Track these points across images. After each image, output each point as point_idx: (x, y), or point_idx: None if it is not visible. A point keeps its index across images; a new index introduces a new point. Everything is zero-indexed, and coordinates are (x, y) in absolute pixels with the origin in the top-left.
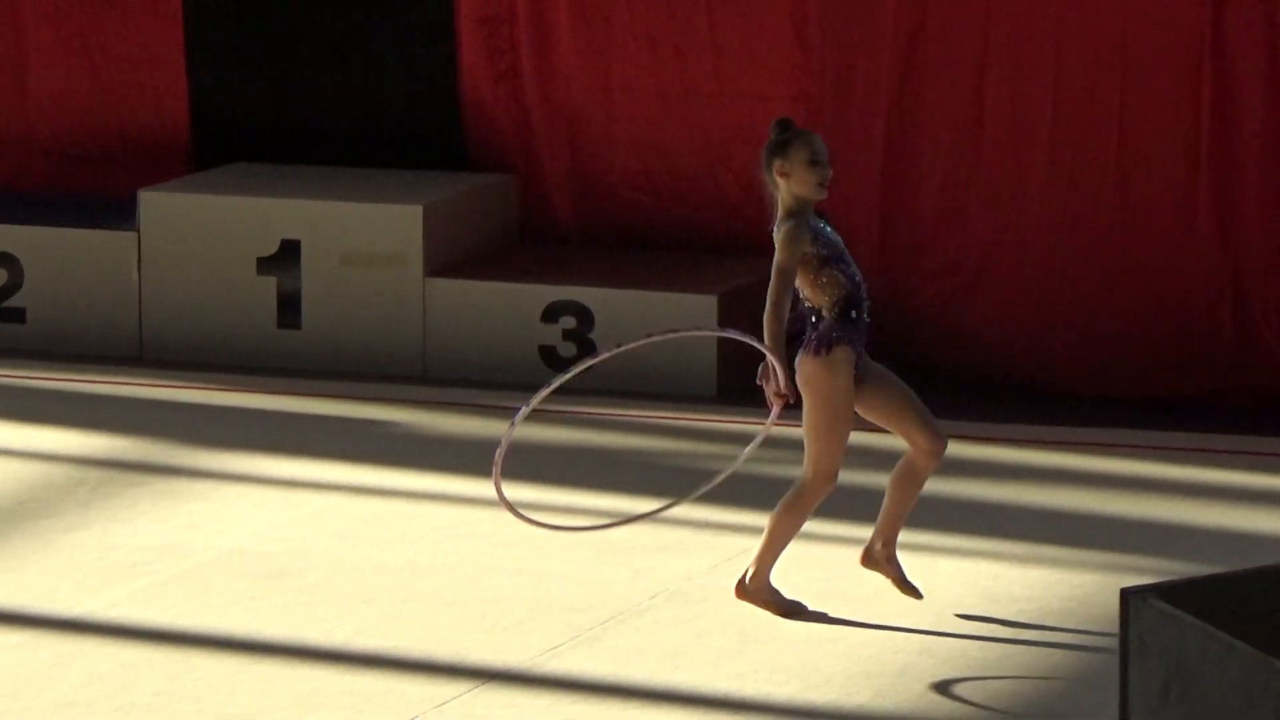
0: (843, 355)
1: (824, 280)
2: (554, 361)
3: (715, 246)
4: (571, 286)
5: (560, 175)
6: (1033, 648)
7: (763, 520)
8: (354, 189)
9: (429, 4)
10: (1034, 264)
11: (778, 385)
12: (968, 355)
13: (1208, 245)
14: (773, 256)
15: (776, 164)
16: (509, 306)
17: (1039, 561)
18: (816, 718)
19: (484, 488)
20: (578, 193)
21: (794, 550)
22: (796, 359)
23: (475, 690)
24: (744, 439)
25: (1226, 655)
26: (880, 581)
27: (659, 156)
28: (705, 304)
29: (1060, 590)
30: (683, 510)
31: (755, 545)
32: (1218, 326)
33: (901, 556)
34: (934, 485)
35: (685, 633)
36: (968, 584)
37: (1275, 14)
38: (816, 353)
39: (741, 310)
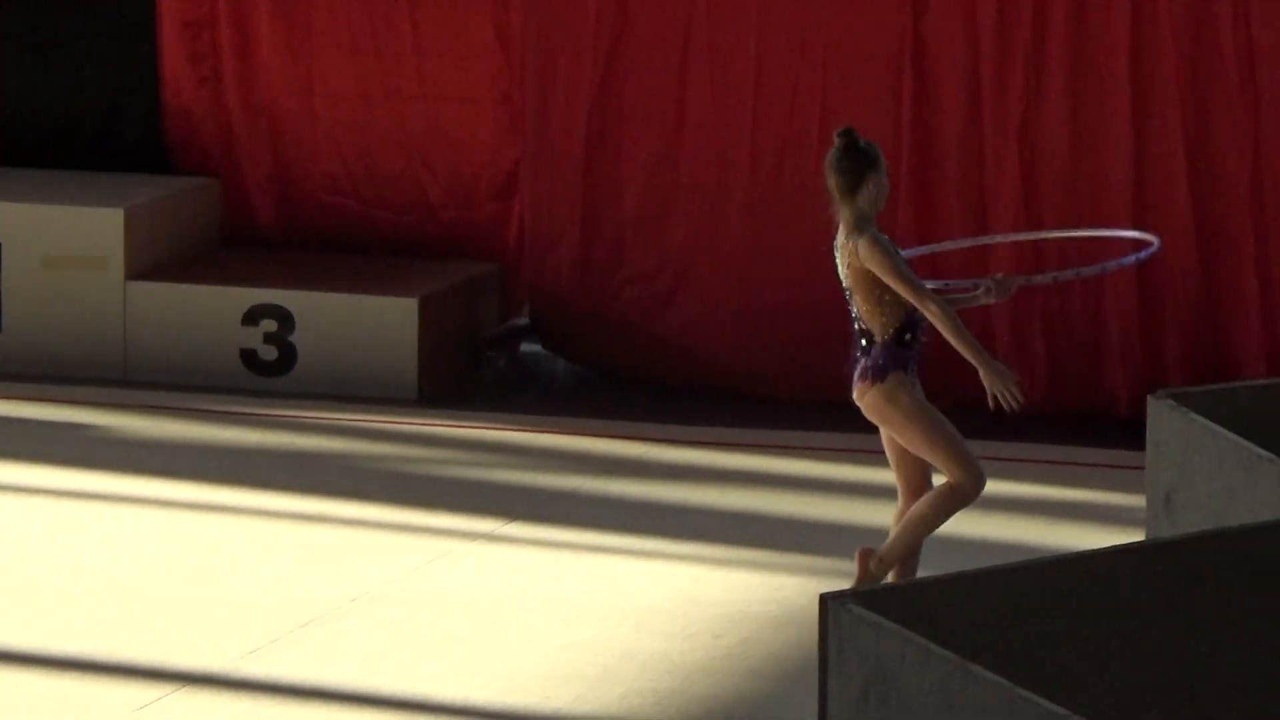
0: (896, 380)
1: (889, 299)
2: (255, 364)
3: (417, 249)
4: (272, 290)
5: (262, 178)
6: (735, 652)
7: (465, 523)
8: (55, 191)
9: (130, 7)
10: (735, 268)
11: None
12: (670, 360)
13: (908, 246)
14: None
15: (871, 176)
16: (210, 310)
17: (740, 565)
18: None
19: (187, 491)
20: (279, 196)
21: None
22: (855, 391)
23: (175, 693)
24: (446, 441)
25: (925, 660)
26: (582, 585)
27: (361, 159)
28: (406, 306)
29: (761, 594)
30: (383, 513)
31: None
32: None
33: (603, 561)
34: (636, 489)
35: (386, 636)
36: (669, 587)
37: (974, 18)
38: (874, 382)
39: (443, 312)
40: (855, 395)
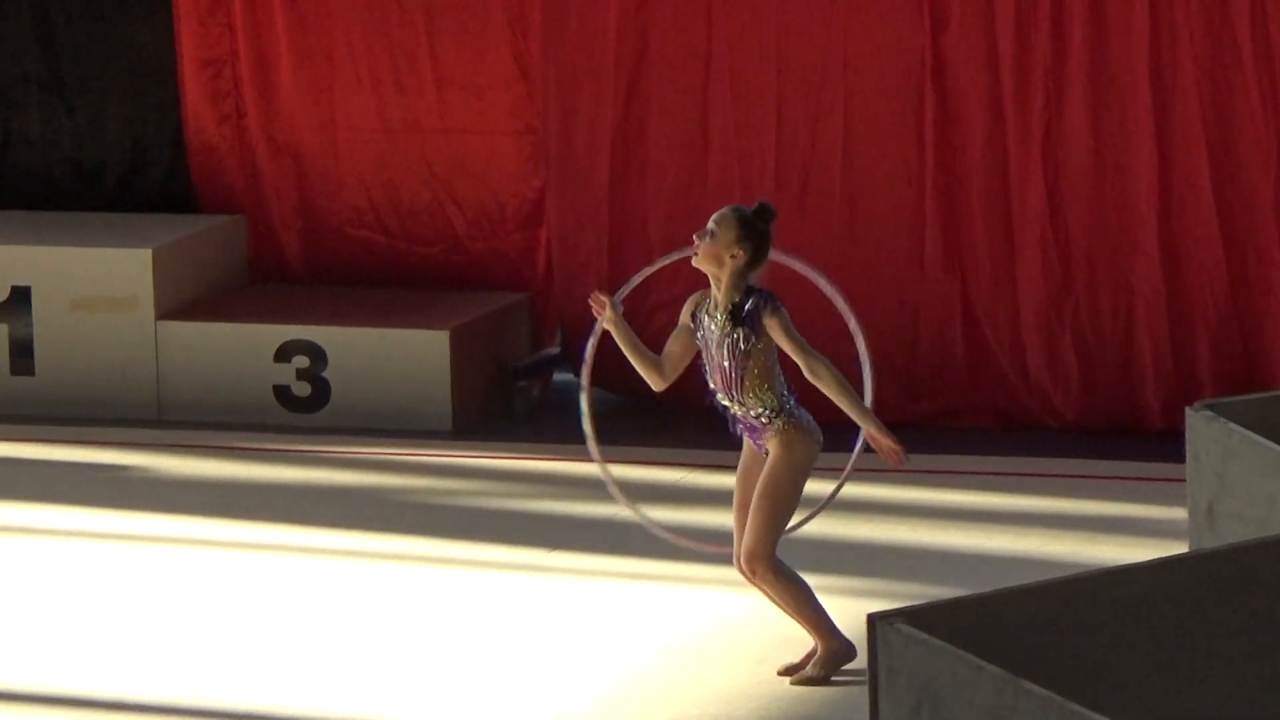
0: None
1: (777, 370)
2: (288, 401)
3: (444, 281)
4: (304, 325)
5: (287, 214)
6: (778, 676)
7: (504, 554)
8: (82, 234)
9: (151, 46)
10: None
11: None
12: (698, 386)
13: (936, 268)
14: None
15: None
16: (242, 347)
17: None
18: None
19: (224, 529)
20: (305, 231)
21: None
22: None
23: None
24: (482, 473)
25: (976, 677)
26: (623, 613)
27: (385, 193)
28: (437, 339)
29: None
30: (421, 546)
31: None
32: (950, 348)
33: (642, 587)
34: (671, 515)
35: (425, 669)
36: (711, 614)
37: (993, 33)
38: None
39: (474, 343)
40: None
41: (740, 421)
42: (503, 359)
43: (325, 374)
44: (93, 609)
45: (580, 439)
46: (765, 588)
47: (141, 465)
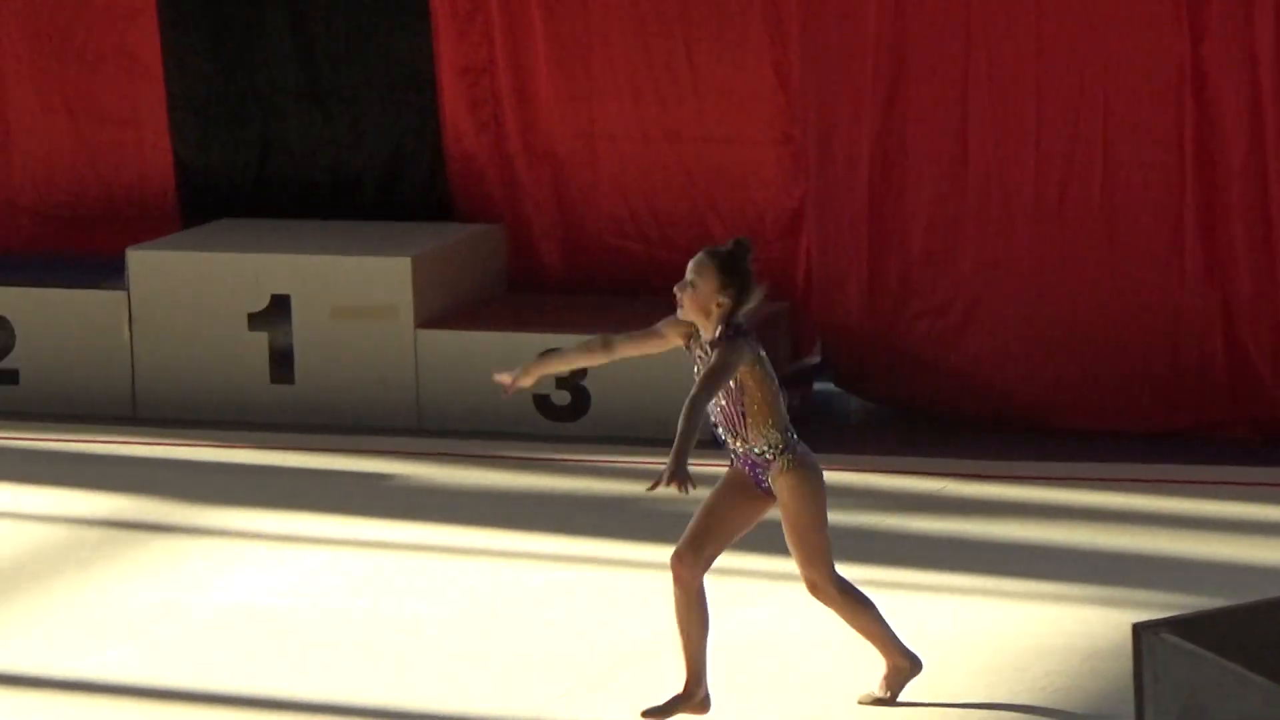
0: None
1: (779, 405)
2: (548, 410)
3: None
4: (562, 334)
5: (546, 223)
6: (1041, 685)
7: (764, 563)
8: (342, 242)
9: (410, 56)
10: (1024, 301)
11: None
12: (960, 395)
13: (1196, 277)
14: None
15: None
16: (501, 356)
17: (1040, 598)
18: None
19: (485, 538)
20: (564, 240)
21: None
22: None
23: None
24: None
25: (1242, 687)
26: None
27: (644, 201)
28: None
29: (1064, 626)
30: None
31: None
32: (1210, 358)
33: (902, 597)
34: (933, 524)
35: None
36: (971, 622)
37: (1254, 45)
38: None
39: None
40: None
41: (743, 459)
42: None
43: (584, 383)
44: (354, 618)
45: (840, 448)
46: (833, 607)
47: (401, 473)
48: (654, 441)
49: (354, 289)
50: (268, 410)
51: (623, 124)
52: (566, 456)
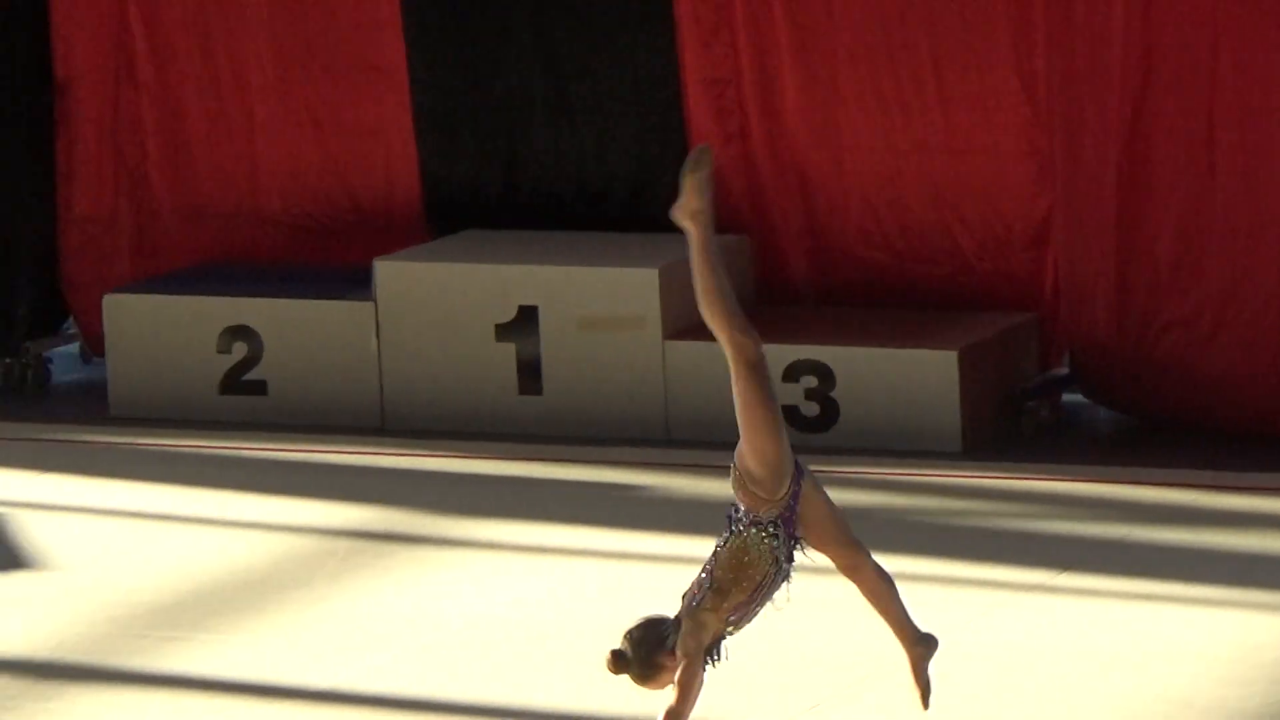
0: None
1: None
2: (797, 420)
3: (951, 302)
4: (812, 346)
5: (794, 235)
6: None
7: (1015, 575)
8: (589, 253)
9: (656, 66)
10: (1275, 310)
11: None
12: (1210, 405)
13: None
14: None
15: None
16: None
17: None
18: None
19: None
20: (812, 251)
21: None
22: None
23: None
24: (992, 493)
25: None
26: (1136, 634)
27: (891, 212)
28: (946, 359)
29: None
30: (932, 567)
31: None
32: None
33: (1152, 609)
34: (1183, 536)
35: (939, 689)
36: (1223, 634)
37: None
38: None
39: (983, 364)
40: None
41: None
42: (1011, 379)
43: (833, 394)
44: (600, 627)
45: (1090, 459)
46: (869, 586)
47: (649, 484)
48: (904, 453)
49: (602, 300)
50: (515, 421)
51: (868, 135)
52: (814, 468)
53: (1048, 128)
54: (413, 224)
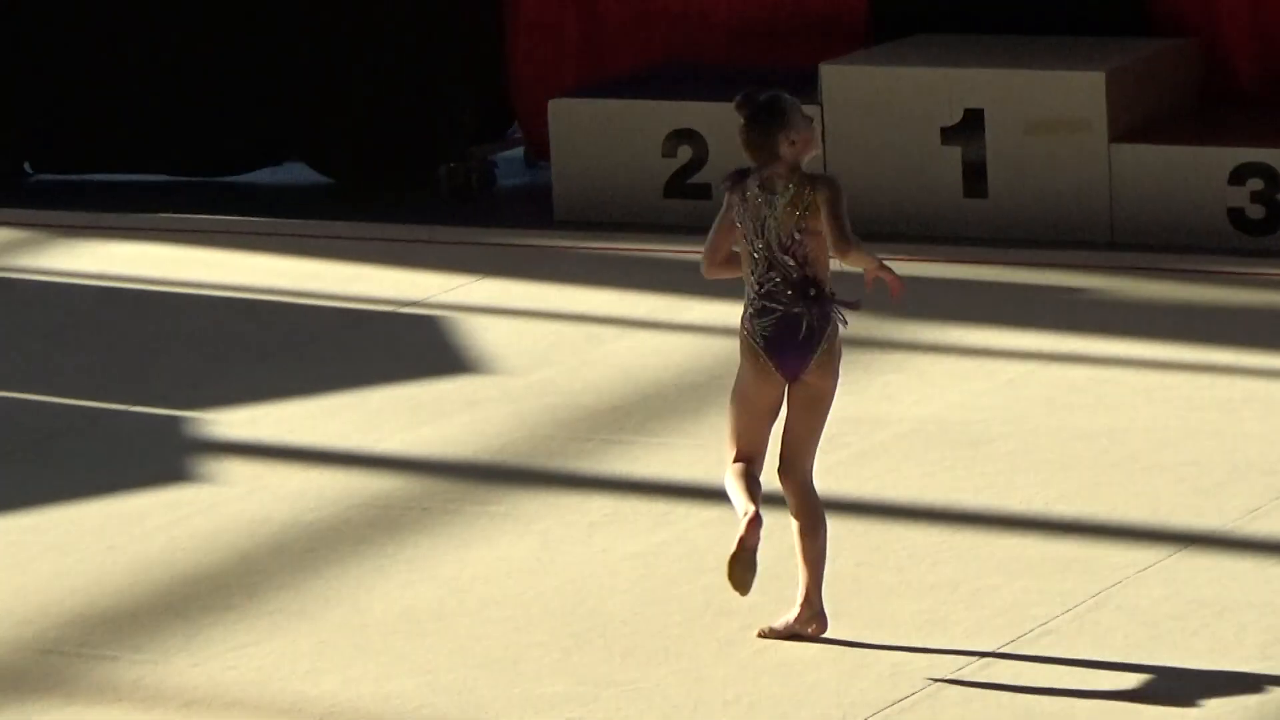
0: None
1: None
2: (1242, 224)
3: None
4: (1258, 149)
5: (1241, 36)
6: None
7: None
8: (1034, 57)
9: None
10: None
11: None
12: None
13: None
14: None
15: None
16: (1194, 170)
17: None
18: None
19: (1176, 351)
20: (1259, 53)
21: None
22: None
23: (1176, 554)
24: None
25: None
26: None
27: None
28: None
29: None
30: None
31: None
32: None
33: None
34: None
35: None
36: None
37: None
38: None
39: None
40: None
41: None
42: None
43: (1279, 196)
44: (1047, 430)
45: None
46: (805, 511)
47: (1093, 287)
48: None
49: (1048, 103)
50: (960, 224)
51: None
52: (1257, 270)
53: None
54: (858, 28)
